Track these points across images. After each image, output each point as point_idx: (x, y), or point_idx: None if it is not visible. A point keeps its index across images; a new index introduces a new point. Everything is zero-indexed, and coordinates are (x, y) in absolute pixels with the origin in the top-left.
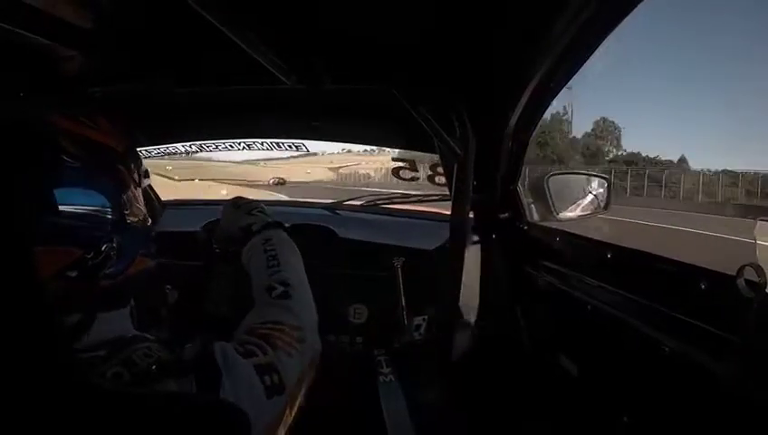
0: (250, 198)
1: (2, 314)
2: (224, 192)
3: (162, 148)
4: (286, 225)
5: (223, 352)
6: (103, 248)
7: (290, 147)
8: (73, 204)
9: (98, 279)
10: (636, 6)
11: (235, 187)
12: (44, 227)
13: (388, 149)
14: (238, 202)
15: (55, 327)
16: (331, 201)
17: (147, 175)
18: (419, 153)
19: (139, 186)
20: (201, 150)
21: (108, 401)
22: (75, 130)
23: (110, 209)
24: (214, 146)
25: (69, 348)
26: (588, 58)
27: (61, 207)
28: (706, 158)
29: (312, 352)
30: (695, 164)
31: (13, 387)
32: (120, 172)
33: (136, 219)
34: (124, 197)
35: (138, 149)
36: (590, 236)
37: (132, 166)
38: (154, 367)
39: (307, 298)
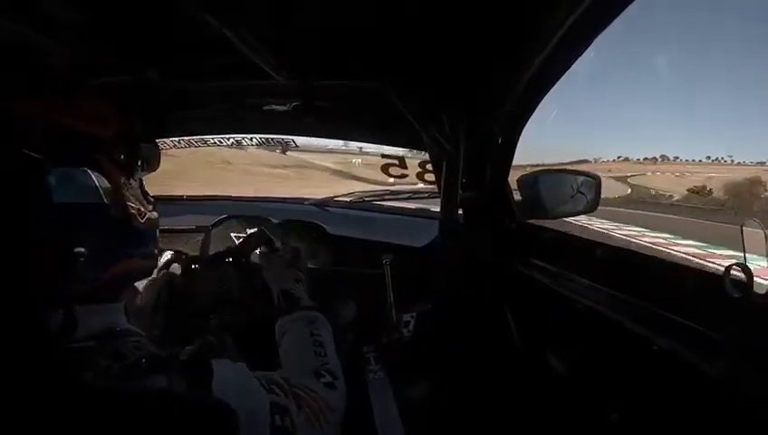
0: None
1: None
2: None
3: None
4: (275, 221)
5: (232, 368)
6: (77, 250)
7: (279, 142)
8: (42, 202)
9: (73, 281)
10: (628, 5)
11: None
12: (11, 224)
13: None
14: (296, 260)
15: (37, 324)
16: (320, 198)
17: (149, 163)
18: (409, 150)
19: (131, 177)
20: (189, 146)
21: (95, 394)
22: (45, 117)
23: (87, 206)
24: (203, 141)
25: (55, 343)
26: (578, 57)
27: (26, 206)
28: None
29: None
30: None
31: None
32: (102, 165)
33: (123, 216)
34: (107, 192)
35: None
36: (579, 235)
37: (123, 156)
38: (144, 360)
39: (344, 392)
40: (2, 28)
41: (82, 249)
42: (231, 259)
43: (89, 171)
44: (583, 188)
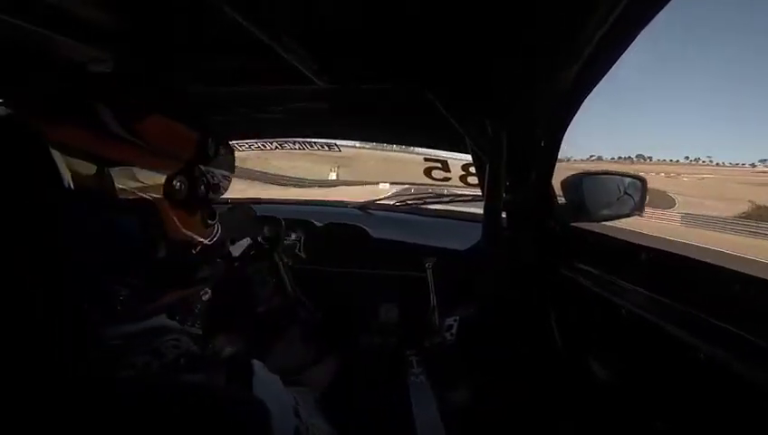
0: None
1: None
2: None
3: None
4: (318, 224)
5: (274, 379)
6: (110, 296)
7: (322, 147)
8: (76, 241)
9: (118, 318)
10: (668, 3)
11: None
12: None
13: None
14: None
15: (78, 321)
16: (363, 201)
17: (217, 188)
18: (452, 153)
19: (197, 207)
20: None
21: (132, 389)
22: (96, 148)
23: (128, 248)
24: (246, 145)
25: (95, 340)
26: (620, 56)
27: (56, 244)
28: None
29: None
30: None
31: (41, 374)
32: (158, 206)
33: (172, 251)
34: (153, 228)
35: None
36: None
37: (182, 187)
38: (182, 359)
39: None
40: (43, 37)
41: (125, 292)
42: (264, 261)
43: (141, 212)
44: (630, 189)
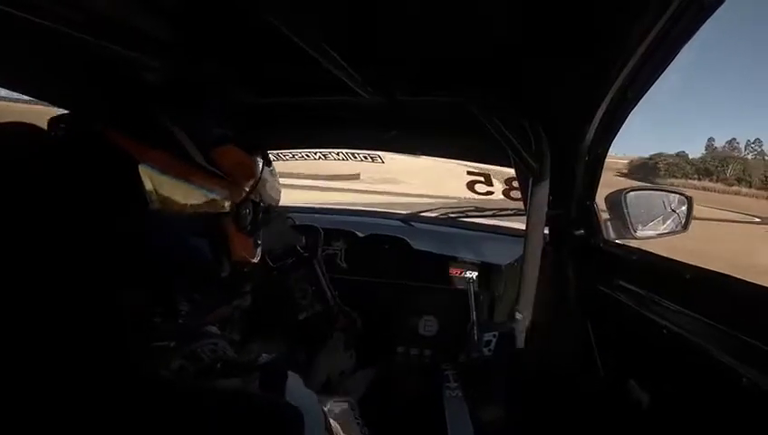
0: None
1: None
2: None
3: None
4: (360, 235)
5: (307, 392)
6: (174, 304)
7: (365, 158)
8: (149, 252)
9: (173, 331)
10: (716, 11)
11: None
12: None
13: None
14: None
15: (119, 322)
16: (406, 212)
17: (266, 215)
18: (494, 167)
19: (251, 235)
20: (277, 159)
21: (167, 391)
22: (177, 173)
23: (194, 263)
24: (290, 155)
25: (134, 341)
26: (667, 67)
27: (131, 252)
28: None
29: None
30: None
31: (84, 375)
32: (220, 225)
33: (229, 270)
34: (218, 248)
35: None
36: (669, 256)
37: (248, 214)
38: (219, 364)
39: None
40: (94, 47)
41: (186, 305)
42: (306, 271)
43: (212, 235)
44: (675, 206)
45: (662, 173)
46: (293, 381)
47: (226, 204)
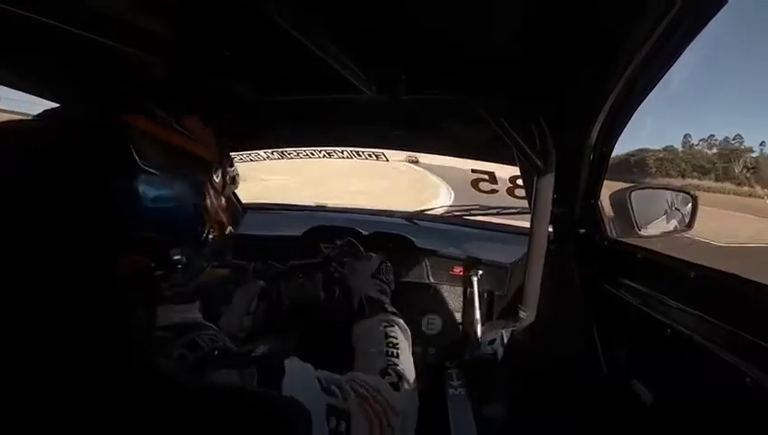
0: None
1: (66, 307)
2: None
3: (243, 154)
4: (364, 232)
5: (300, 369)
6: (171, 260)
7: (370, 156)
8: (145, 212)
9: (161, 289)
10: (722, 8)
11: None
12: (111, 230)
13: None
14: (381, 271)
15: (120, 312)
16: (410, 211)
17: (234, 181)
18: (499, 165)
19: (222, 194)
20: (282, 157)
21: (166, 380)
22: (159, 134)
23: (184, 221)
24: (295, 153)
25: (135, 331)
26: (671, 65)
27: (130, 214)
28: None
29: None
30: None
31: (80, 371)
32: (202, 183)
33: (211, 231)
34: (202, 208)
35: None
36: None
37: (219, 174)
38: (216, 352)
39: (414, 396)
40: (100, 45)
41: (181, 257)
42: (319, 268)
43: (189, 187)
44: (679, 205)
45: (653, 171)
46: (293, 372)
47: (202, 164)
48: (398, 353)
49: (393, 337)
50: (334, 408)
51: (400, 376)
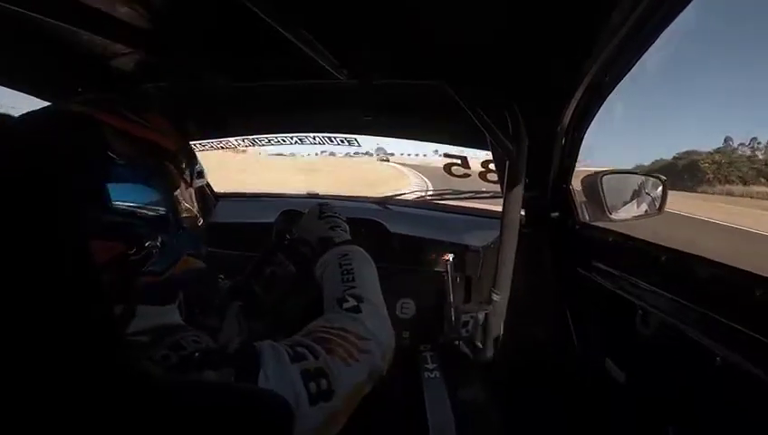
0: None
1: (43, 301)
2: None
3: (214, 141)
4: None
5: (272, 352)
6: (146, 245)
7: (342, 141)
8: (118, 201)
9: (138, 275)
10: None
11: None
12: (87, 220)
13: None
14: (324, 211)
15: (95, 316)
16: (381, 196)
17: (201, 175)
18: (471, 150)
19: (191, 186)
20: (254, 145)
21: (147, 386)
22: (124, 127)
23: (156, 208)
24: (266, 140)
25: (111, 336)
26: (644, 53)
27: (104, 203)
28: None
29: (376, 366)
30: None
31: (56, 371)
32: (169, 172)
33: (184, 219)
34: (172, 196)
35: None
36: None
37: (184, 166)
38: (197, 354)
39: (381, 313)
40: (70, 34)
41: (156, 243)
42: (277, 248)
43: (158, 177)
44: (649, 189)
45: (709, 177)
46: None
47: (168, 155)
48: (353, 277)
49: (347, 264)
50: (308, 371)
51: (359, 298)
